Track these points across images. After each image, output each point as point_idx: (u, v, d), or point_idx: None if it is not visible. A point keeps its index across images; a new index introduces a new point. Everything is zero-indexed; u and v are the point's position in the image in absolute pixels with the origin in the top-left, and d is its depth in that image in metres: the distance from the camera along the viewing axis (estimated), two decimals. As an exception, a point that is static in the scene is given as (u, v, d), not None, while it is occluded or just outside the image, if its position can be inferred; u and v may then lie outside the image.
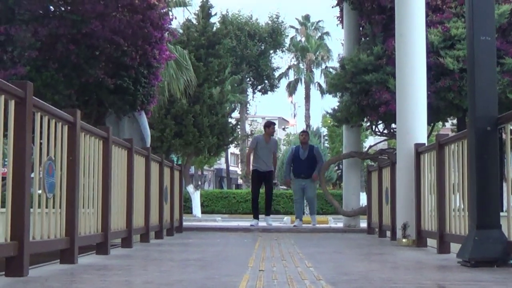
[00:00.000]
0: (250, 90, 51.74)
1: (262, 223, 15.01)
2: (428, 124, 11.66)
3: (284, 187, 42.01)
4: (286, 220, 19.90)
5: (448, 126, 20.70)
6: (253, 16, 50.53)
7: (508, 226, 5.80)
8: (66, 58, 13.15)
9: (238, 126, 35.90)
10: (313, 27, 61.50)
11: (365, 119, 14.41)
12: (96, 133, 7.02)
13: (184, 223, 13.88)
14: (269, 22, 50.53)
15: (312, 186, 15.56)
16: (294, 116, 75.58)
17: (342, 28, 15.44)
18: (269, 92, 52.18)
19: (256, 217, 15.22)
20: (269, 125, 15.98)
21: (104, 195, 7.32)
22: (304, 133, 16.51)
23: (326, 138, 50.88)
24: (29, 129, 4.93)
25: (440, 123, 15.82)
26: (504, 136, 6.34)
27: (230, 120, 30.97)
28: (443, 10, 13.22)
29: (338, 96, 15.05)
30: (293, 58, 60.14)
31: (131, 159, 8.60)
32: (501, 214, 6.09)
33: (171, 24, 15.31)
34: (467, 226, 6.48)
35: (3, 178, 5.61)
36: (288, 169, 15.89)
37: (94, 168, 7.01)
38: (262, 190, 15.51)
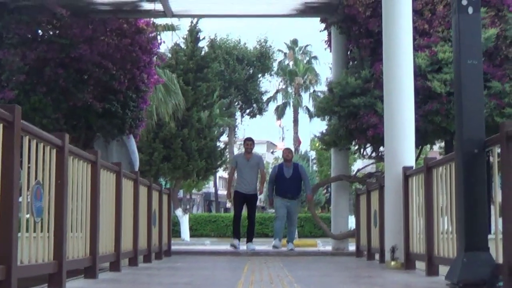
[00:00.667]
0: (238, 114, 51.85)
1: (243, 247, 14.31)
2: (416, 147, 11.70)
3: (273, 210, 41.87)
4: (275, 244, 19.77)
5: (436, 149, 20.78)
6: (241, 40, 50.72)
7: (496, 248, 5.81)
8: (54, 82, 13.18)
9: (227, 150, 35.95)
10: (301, 51, 61.74)
11: (353, 143, 14.44)
12: (84, 157, 7.01)
13: (173, 247, 13.83)
14: (257, 46, 50.76)
15: (296, 209, 14.80)
16: (283, 139, 75.65)
17: (330, 52, 15.50)
18: (257, 116, 52.34)
19: (236, 236, 14.54)
20: (244, 141, 15.13)
21: (93, 219, 7.29)
22: (287, 150, 15.45)
23: (315, 161, 50.92)
24: (17, 152, 4.91)
25: (428, 146, 15.87)
26: (491, 159, 6.36)
27: (218, 143, 31.03)
28: (430, 34, 13.30)
29: (326, 120, 15.07)
30: (281, 82, 60.30)
31: (119, 183, 8.58)
32: (489, 236, 6.10)
33: (159, 48, 15.41)
34: (456, 249, 6.49)
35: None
36: (271, 188, 14.77)
37: (83, 192, 6.99)
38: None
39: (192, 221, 34.83)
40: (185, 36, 29.04)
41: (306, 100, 60.29)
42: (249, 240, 14.45)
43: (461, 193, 6.10)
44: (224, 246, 19.04)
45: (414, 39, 11.27)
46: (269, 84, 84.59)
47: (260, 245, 19.28)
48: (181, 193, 41.92)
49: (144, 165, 24.90)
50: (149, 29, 14.68)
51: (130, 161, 14.88)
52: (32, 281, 5.91)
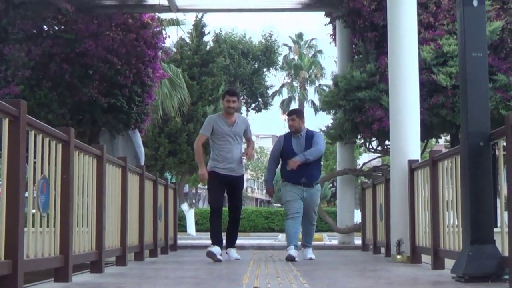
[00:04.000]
0: (244, 108, 51.79)
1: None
2: (422, 140, 11.69)
3: (279, 205, 41.68)
4: (280, 238, 19.74)
5: (442, 143, 20.75)
6: (247, 35, 50.72)
7: (502, 241, 5.81)
8: (60, 77, 13.21)
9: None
10: (306, 45, 61.77)
11: (359, 136, 14.46)
12: (90, 152, 7.02)
13: (179, 242, 13.85)
14: (263, 40, 50.70)
15: (317, 200, 9.95)
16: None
17: (335, 45, 15.51)
18: (262, 110, 52.25)
19: (216, 242, 9.55)
20: (224, 93, 9.75)
21: (98, 213, 7.30)
22: (293, 114, 9.84)
23: (320, 155, 50.92)
24: (23, 147, 4.92)
25: (434, 139, 15.88)
26: (497, 151, 6.36)
27: (224, 138, 30.85)
28: (435, 27, 13.29)
29: (331, 114, 15.09)
30: (286, 76, 60.35)
31: (125, 178, 8.59)
32: (495, 229, 6.10)
33: (164, 43, 15.40)
34: (461, 242, 6.49)
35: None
36: (272, 169, 10.04)
37: (88, 186, 7.00)
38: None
39: (198, 215, 34.84)
40: (190, 31, 29.07)
41: (312, 94, 60.45)
42: (231, 244, 9.98)
43: (467, 186, 6.09)
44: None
45: (419, 32, 11.27)
46: (274, 78, 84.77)
47: (266, 239, 19.31)
48: (187, 188, 41.95)
49: (149, 159, 24.95)
50: (154, 23, 14.69)
51: (135, 155, 14.92)
52: (38, 275, 5.92)
